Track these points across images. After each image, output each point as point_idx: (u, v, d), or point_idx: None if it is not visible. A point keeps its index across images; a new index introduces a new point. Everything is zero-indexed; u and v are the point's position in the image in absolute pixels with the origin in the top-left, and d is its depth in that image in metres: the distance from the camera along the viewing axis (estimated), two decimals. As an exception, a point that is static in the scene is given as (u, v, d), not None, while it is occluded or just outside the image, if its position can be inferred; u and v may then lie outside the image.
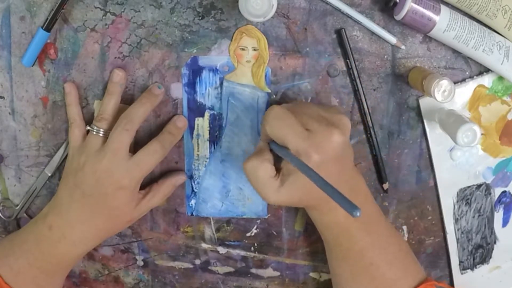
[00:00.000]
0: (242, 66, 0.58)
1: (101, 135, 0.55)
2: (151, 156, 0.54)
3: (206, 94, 0.59)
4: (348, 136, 0.51)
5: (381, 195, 0.63)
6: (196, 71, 0.58)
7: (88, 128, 0.56)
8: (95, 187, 0.53)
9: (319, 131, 0.49)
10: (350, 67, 0.57)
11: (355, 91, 0.58)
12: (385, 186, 0.62)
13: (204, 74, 0.58)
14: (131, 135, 0.54)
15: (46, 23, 0.54)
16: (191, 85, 0.59)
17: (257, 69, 0.58)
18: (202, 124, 0.60)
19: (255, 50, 0.57)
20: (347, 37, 0.57)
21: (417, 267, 0.57)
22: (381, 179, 0.62)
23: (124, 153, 0.53)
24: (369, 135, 0.60)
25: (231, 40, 0.57)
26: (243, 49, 0.57)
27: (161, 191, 0.59)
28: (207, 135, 0.60)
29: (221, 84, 0.59)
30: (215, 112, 0.60)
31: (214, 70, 0.58)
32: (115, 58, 0.58)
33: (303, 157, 0.48)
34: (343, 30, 0.56)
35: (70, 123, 0.57)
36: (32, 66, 0.57)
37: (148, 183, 0.59)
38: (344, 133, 0.50)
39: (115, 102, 0.56)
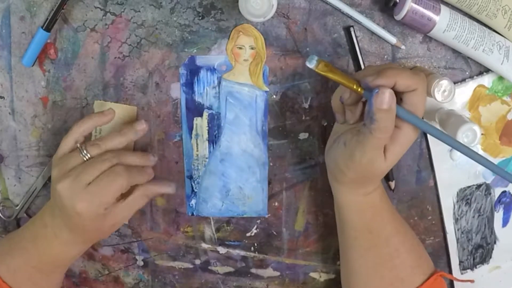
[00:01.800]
0: (240, 65, 0.58)
1: (85, 159, 0.52)
2: (107, 181, 0.51)
3: (204, 93, 0.59)
4: None
5: (381, 195, 0.63)
6: (193, 70, 0.58)
7: (78, 146, 0.53)
8: (60, 204, 0.52)
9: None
10: (357, 63, 0.57)
11: None
12: (392, 184, 0.62)
13: (202, 73, 0.58)
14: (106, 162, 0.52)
15: (46, 23, 0.54)
16: (189, 85, 0.59)
17: (255, 68, 0.58)
18: (201, 123, 0.60)
19: (252, 48, 0.57)
20: (355, 34, 0.56)
21: (427, 256, 0.58)
22: (387, 177, 0.62)
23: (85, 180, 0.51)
24: None
25: (228, 39, 0.57)
26: (240, 48, 0.57)
27: (142, 190, 0.55)
28: (206, 135, 0.60)
29: (219, 83, 0.59)
30: (214, 112, 0.60)
31: (212, 70, 0.58)
32: (115, 58, 0.58)
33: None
34: (352, 27, 0.56)
35: (70, 133, 0.54)
36: (32, 66, 0.57)
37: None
38: None
39: (121, 142, 0.54)
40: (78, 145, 0.53)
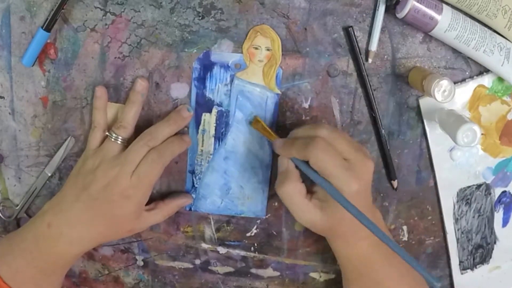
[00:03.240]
0: (254, 65, 0.58)
1: (119, 142, 0.56)
2: (149, 166, 0.54)
3: (216, 90, 0.59)
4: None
5: (381, 195, 0.63)
6: (207, 66, 0.58)
7: (107, 134, 0.56)
8: (103, 192, 0.54)
9: (357, 161, 0.51)
10: (357, 63, 0.58)
11: (361, 82, 0.58)
12: (394, 184, 0.62)
13: (215, 69, 0.58)
14: None
15: (46, 23, 0.54)
16: (201, 80, 0.58)
17: (269, 69, 0.58)
18: (209, 119, 0.60)
19: (268, 50, 0.57)
20: (354, 35, 0.56)
21: None
22: (389, 176, 0.62)
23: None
24: (377, 132, 0.60)
25: (245, 38, 0.57)
26: (256, 48, 0.57)
27: (166, 210, 0.60)
28: (212, 131, 0.60)
29: (232, 81, 0.59)
30: (223, 109, 0.59)
31: (226, 67, 0.58)
32: (115, 58, 0.58)
33: (344, 186, 0.50)
34: (351, 27, 0.56)
35: (94, 127, 0.57)
36: (32, 66, 0.57)
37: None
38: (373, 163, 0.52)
39: (136, 111, 0.57)
40: (107, 132, 0.56)
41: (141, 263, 0.65)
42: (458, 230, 0.64)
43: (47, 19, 0.54)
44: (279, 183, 0.53)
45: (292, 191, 0.52)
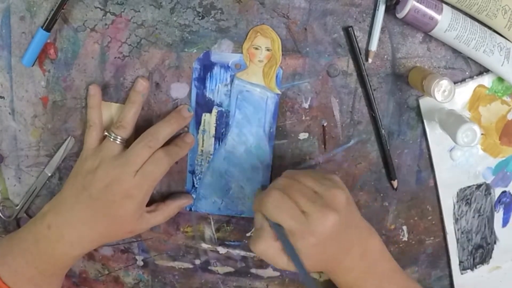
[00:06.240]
0: (254, 65, 0.58)
1: (118, 142, 0.55)
2: (156, 165, 0.55)
3: (216, 90, 0.59)
4: (345, 207, 0.50)
5: (381, 195, 0.63)
6: (207, 66, 0.58)
7: (106, 133, 0.56)
8: (103, 193, 0.54)
9: (314, 214, 0.49)
10: (357, 63, 0.58)
11: (361, 82, 0.58)
12: (394, 183, 0.62)
13: (216, 70, 0.58)
14: (152, 152, 0.55)
15: (46, 23, 0.54)
16: (201, 80, 0.58)
17: (269, 70, 0.58)
18: (209, 120, 0.60)
19: (268, 50, 0.57)
20: (354, 35, 0.57)
21: None
22: (389, 176, 0.62)
23: (139, 167, 0.54)
24: (377, 132, 0.60)
25: (245, 38, 0.57)
26: (256, 48, 0.57)
27: (167, 211, 0.60)
28: (213, 132, 0.60)
29: (232, 81, 0.59)
30: (223, 109, 0.59)
31: (226, 67, 0.58)
32: (115, 58, 0.58)
33: (299, 239, 0.49)
34: (351, 27, 0.56)
35: (89, 126, 0.57)
36: (32, 66, 0.57)
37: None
38: (339, 211, 0.49)
39: (136, 111, 0.57)
40: (106, 132, 0.56)
41: (141, 263, 0.65)
42: (458, 230, 0.64)
43: (47, 19, 0.54)
44: (252, 241, 0.51)
45: (266, 249, 0.50)
